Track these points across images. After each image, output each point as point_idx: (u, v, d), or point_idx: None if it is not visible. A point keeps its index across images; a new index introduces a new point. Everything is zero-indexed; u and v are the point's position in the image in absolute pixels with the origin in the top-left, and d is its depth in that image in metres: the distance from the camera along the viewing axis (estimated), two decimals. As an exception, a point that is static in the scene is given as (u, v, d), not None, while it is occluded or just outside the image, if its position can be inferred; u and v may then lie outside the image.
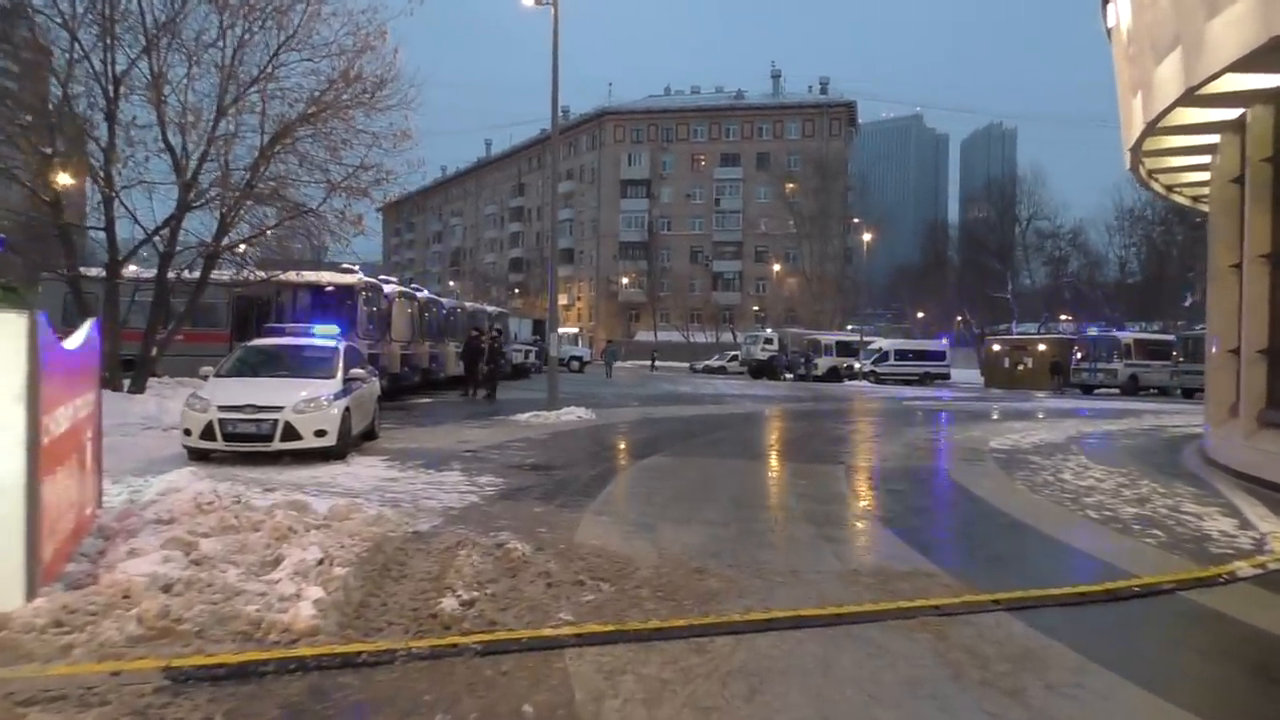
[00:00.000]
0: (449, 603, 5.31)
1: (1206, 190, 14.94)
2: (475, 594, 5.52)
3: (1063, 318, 71.98)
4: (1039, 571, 6.89)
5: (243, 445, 11.03)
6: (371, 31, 16.87)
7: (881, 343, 55.37)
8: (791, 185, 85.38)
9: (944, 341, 56.93)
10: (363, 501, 8.76)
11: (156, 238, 16.36)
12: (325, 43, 16.74)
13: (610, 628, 4.99)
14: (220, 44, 16.07)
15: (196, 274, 17.55)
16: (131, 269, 17.46)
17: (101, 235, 16.10)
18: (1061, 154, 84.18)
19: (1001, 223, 72.60)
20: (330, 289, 20.53)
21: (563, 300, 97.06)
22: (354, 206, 17.74)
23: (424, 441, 14.14)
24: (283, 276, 19.24)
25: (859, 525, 8.27)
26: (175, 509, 7.23)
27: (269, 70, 16.47)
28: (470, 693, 4.09)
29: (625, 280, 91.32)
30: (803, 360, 51.80)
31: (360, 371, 12.60)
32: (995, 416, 23.90)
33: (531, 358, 41.51)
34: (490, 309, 39.41)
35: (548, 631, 4.91)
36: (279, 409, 11.03)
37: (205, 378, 12.27)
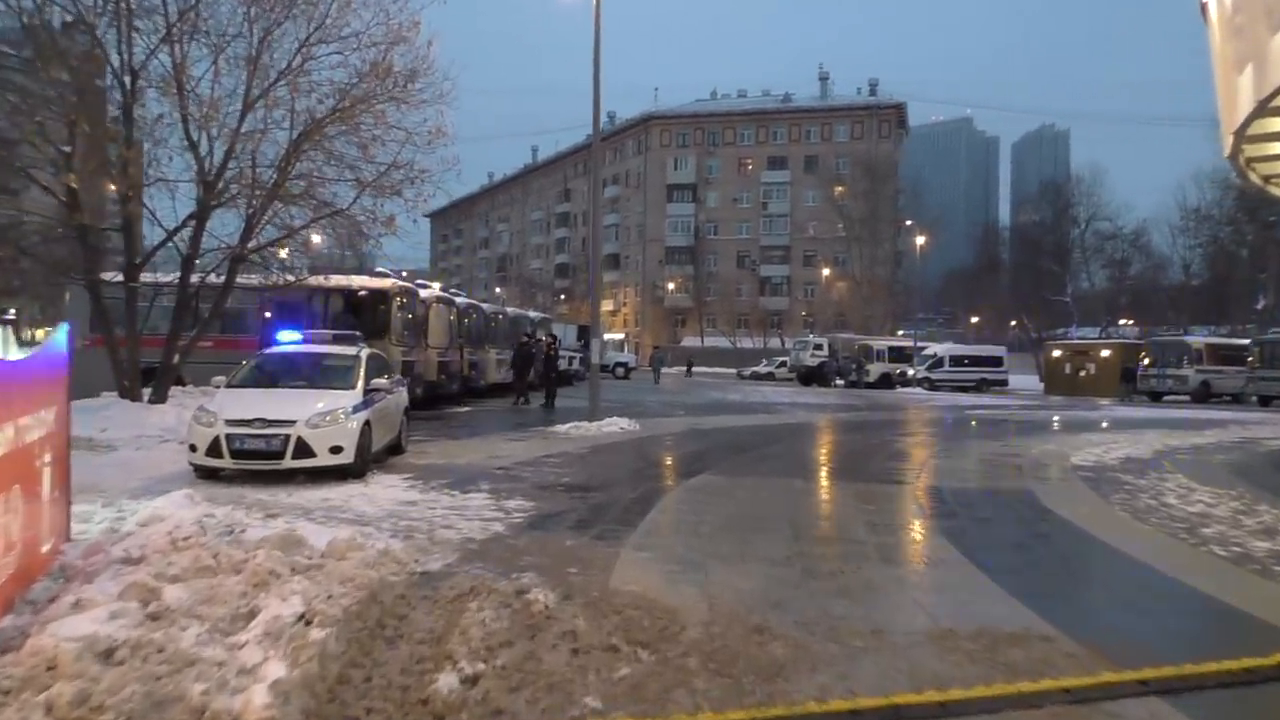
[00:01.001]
0: (447, 680, 4.22)
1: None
2: (481, 666, 4.42)
3: (1123, 322, 69.47)
4: (1180, 633, 5.64)
5: (251, 463, 10.08)
6: (404, 22, 15.98)
7: (936, 348, 53.59)
8: (840, 188, 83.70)
9: (1001, 347, 55.04)
10: (372, 531, 7.75)
11: (180, 240, 15.59)
12: (355, 34, 15.88)
13: (649, 722, 3.87)
14: (246, 35, 15.27)
15: (222, 278, 16.75)
16: (149, 274, 16.69)
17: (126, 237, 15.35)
18: (1118, 154, 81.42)
19: (1059, 224, 70.21)
20: (364, 293, 19.66)
21: (608, 306, 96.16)
22: (385, 207, 16.83)
23: (454, 456, 13.13)
24: (314, 281, 18.40)
25: (944, 564, 7.04)
26: (149, 545, 6.25)
27: (297, 63, 15.63)
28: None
29: (671, 285, 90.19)
30: (854, 366, 50.36)
31: (383, 381, 11.61)
32: (1067, 427, 22.38)
33: (576, 364, 40.51)
34: (533, 314, 38.52)
35: (567, 727, 3.81)
36: (291, 423, 10.07)
37: (217, 387, 11.39)
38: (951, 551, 7.39)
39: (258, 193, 15.90)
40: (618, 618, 5.30)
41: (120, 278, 16.27)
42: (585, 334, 43.83)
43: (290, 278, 16.92)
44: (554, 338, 28.03)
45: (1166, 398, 39.52)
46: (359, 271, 23.36)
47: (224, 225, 16.61)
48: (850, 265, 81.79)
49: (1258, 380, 36.11)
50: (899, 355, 52.08)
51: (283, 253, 19.23)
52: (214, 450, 10.02)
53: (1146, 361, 41.56)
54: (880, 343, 54.17)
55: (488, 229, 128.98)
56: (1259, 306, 55.73)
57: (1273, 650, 4.89)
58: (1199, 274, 67.41)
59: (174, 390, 16.04)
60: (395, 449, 12.97)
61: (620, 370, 49.93)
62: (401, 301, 20.16)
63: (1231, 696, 4.37)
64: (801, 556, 7.10)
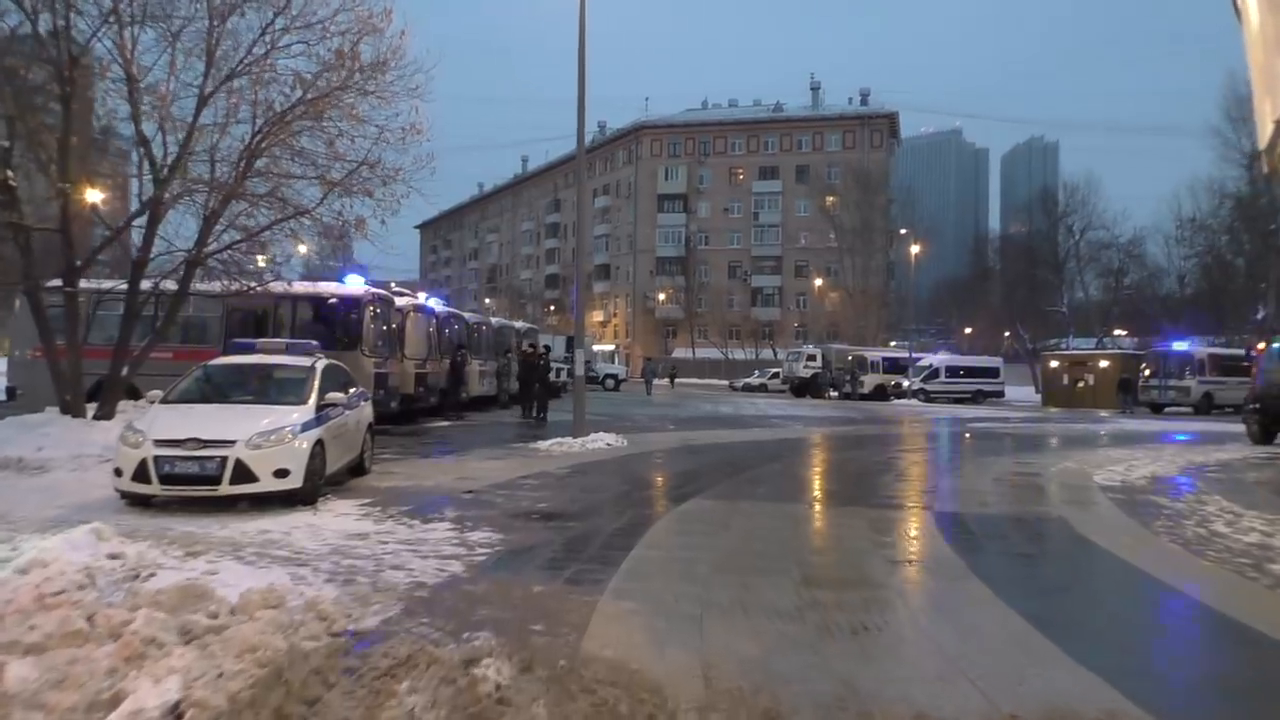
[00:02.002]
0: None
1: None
2: (399, 786, 3.27)
3: (1117, 332, 68.49)
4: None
5: (183, 489, 8.88)
6: (375, 11, 14.84)
7: (931, 359, 52.50)
8: (832, 198, 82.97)
9: (998, 357, 54.07)
10: (307, 574, 6.59)
11: (132, 245, 14.37)
12: (322, 21, 14.72)
13: None
14: (202, 19, 14.09)
15: (188, 285, 15.53)
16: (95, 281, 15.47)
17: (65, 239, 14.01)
18: (1108, 166, 79.82)
19: (1053, 233, 69.34)
20: (333, 301, 18.42)
21: (598, 317, 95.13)
22: (355, 208, 15.63)
23: (421, 478, 11.94)
24: (279, 288, 17.18)
25: (985, 616, 5.89)
26: (13, 601, 5.06)
27: (259, 52, 14.45)
28: None
29: (662, 296, 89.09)
30: (847, 378, 49.27)
31: (339, 396, 10.41)
32: (1078, 442, 21.28)
33: (564, 375, 39.32)
34: (519, 324, 37.31)
35: None
36: (229, 444, 8.87)
37: (152, 402, 10.20)
38: (990, 598, 6.24)
39: (215, 194, 14.70)
40: (589, 700, 4.15)
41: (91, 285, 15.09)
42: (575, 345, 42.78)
43: (253, 284, 15.66)
44: (546, 348, 26.83)
45: (1168, 410, 38.49)
46: (320, 279, 22.23)
47: (185, 227, 15.39)
48: (842, 276, 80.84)
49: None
50: (894, 366, 50.98)
51: (261, 260, 18.10)
52: (140, 475, 8.82)
53: (1147, 372, 40.55)
54: (874, 354, 53.12)
55: (477, 239, 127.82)
56: (1259, 317, 54.79)
57: None
58: (1193, 284, 66.56)
59: (125, 405, 14.80)
60: (357, 469, 11.79)
61: (610, 382, 48.75)
62: (374, 310, 18.96)
63: None
64: (814, 606, 5.95)
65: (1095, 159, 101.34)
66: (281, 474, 9.04)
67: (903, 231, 67.38)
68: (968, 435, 23.16)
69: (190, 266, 14.74)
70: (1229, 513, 10.05)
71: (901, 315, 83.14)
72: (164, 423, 9.27)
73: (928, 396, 47.83)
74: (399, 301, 21.32)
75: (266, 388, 10.44)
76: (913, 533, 8.95)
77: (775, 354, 76.00)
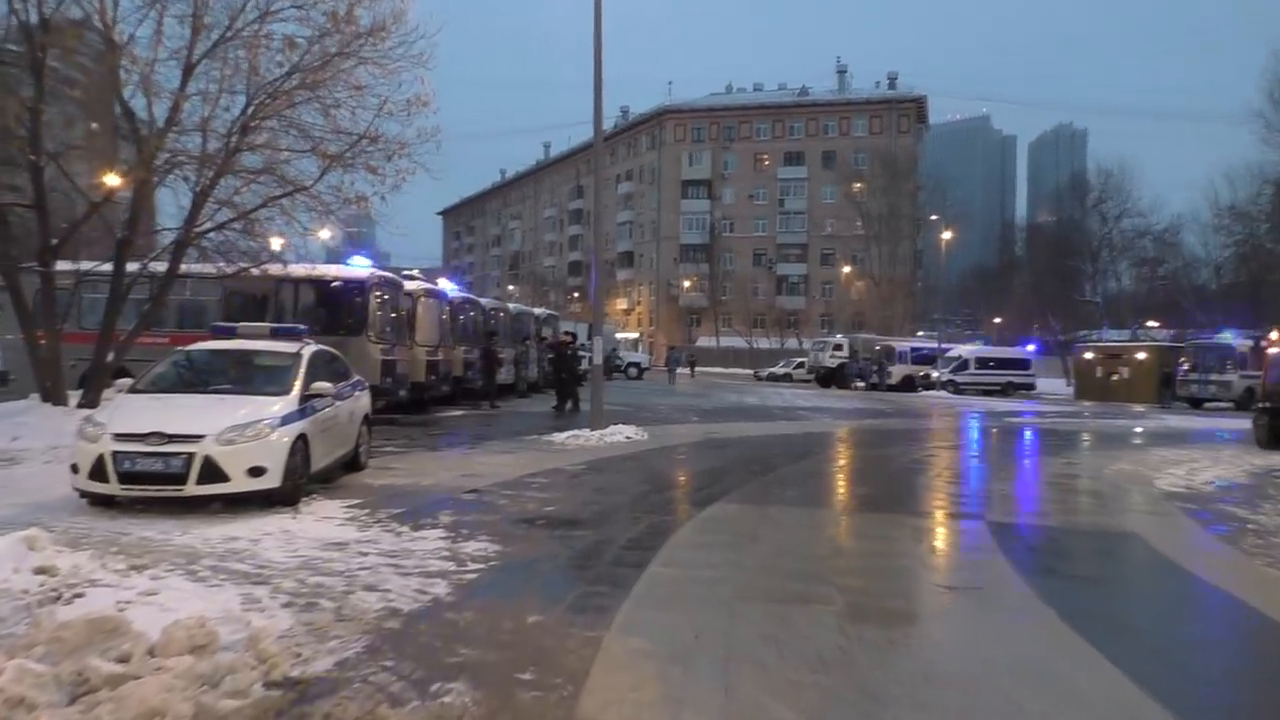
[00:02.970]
0: None
1: None
2: None
3: (1150, 323, 66.63)
4: None
5: (144, 489, 7.94)
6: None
7: (960, 350, 51.02)
8: (859, 184, 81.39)
9: (1030, 349, 52.51)
10: (264, 596, 5.62)
11: (116, 222, 13.47)
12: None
13: None
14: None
15: (178, 266, 14.65)
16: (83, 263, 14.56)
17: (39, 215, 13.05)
18: (1142, 152, 76.95)
19: (1087, 221, 67.47)
20: (337, 285, 17.47)
21: (622, 304, 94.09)
22: (356, 185, 14.69)
23: (422, 474, 10.97)
24: (279, 270, 16.26)
25: (1084, 676, 4.67)
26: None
27: (250, 17, 13.49)
28: None
29: (686, 284, 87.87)
30: (875, 368, 48.01)
31: (325, 385, 9.41)
32: (1125, 440, 20.06)
33: (587, 363, 38.36)
34: (538, 311, 36.27)
35: None
36: (196, 439, 7.92)
37: (119, 391, 9.29)
38: (1078, 645, 5.10)
39: (206, 168, 13.78)
40: (580, 796, 3.14)
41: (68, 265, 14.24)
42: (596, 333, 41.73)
43: (246, 266, 14.73)
44: (572, 335, 25.74)
45: (1208, 405, 37.01)
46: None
47: (173, 205, 14.52)
48: (869, 264, 79.40)
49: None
50: (922, 357, 49.61)
51: (276, 243, 17.22)
52: (98, 472, 7.88)
53: (1186, 366, 39.05)
54: (902, 344, 51.77)
55: (500, 226, 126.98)
56: (1303, 307, 52.96)
57: None
58: (1230, 274, 64.56)
59: (111, 393, 13.93)
60: (352, 464, 10.83)
61: (633, 370, 47.74)
62: (381, 294, 18.00)
63: None
64: (865, 648, 4.90)
65: (1127, 146, 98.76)
66: (256, 472, 8.07)
67: (933, 218, 65.70)
68: (1007, 431, 21.96)
69: (180, 247, 13.84)
70: (1322, 526, 8.90)
71: (929, 305, 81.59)
72: (127, 414, 8.34)
73: (957, 388, 46.48)
74: (409, 285, 20.37)
75: (247, 376, 9.50)
76: (966, 549, 7.88)
77: (800, 343, 74.70)
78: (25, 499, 8.63)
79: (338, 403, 9.98)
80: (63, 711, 3.50)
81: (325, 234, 21.43)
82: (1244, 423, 20.62)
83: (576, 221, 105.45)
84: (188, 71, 13.29)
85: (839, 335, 57.94)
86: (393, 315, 18.69)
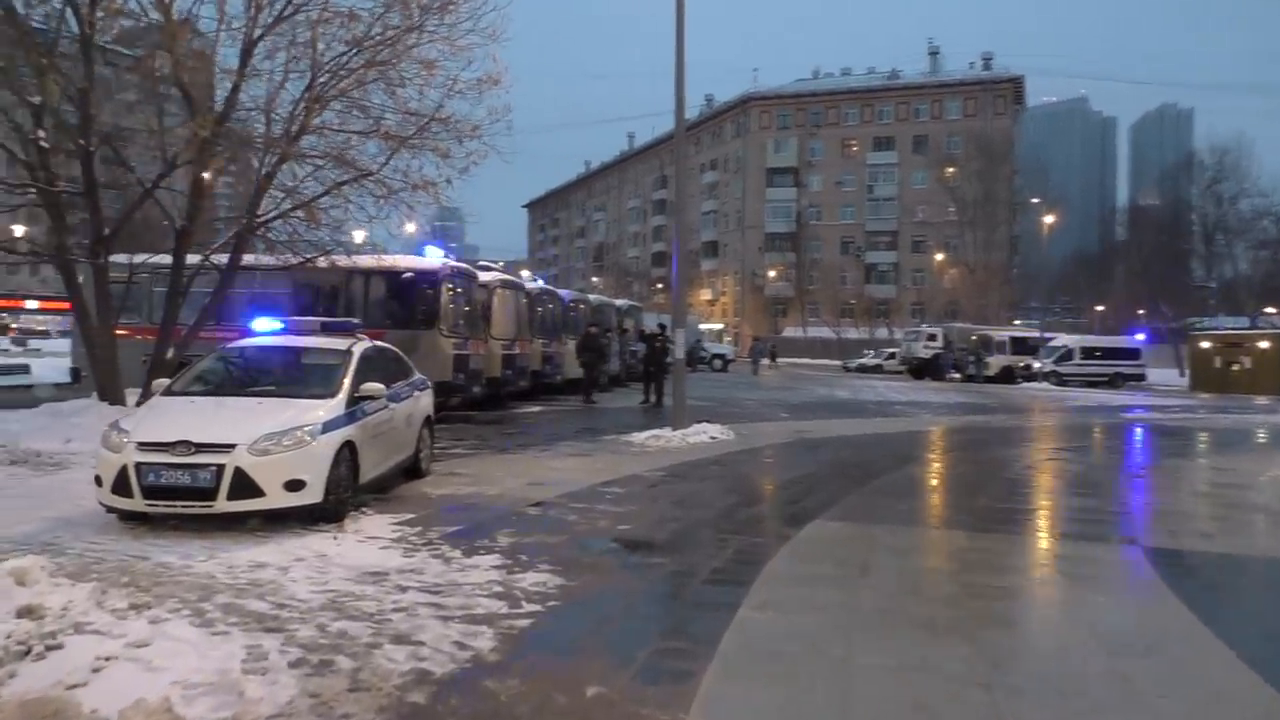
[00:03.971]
0: None
1: None
2: None
3: (1269, 310, 62.43)
4: None
5: (170, 505, 7.07)
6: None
7: (1064, 339, 48.32)
8: (952, 169, 78.66)
9: (1139, 337, 49.54)
10: (274, 648, 4.65)
11: (174, 211, 12.84)
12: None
13: None
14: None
15: (240, 258, 14.01)
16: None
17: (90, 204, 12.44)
18: (1254, 131, 71.34)
19: (1201, 202, 63.59)
20: (408, 276, 16.66)
21: (706, 295, 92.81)
22: (426, 169, 13.85)
23: (487, 482, 9.98)
24: (346, 262, 15.53)
25: None
26: None
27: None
28: None
29: (772, 273, 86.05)
30: (971, 359, 45.80)
31: (377, 386, 8.42)
32: (1272, 438, 18.04)
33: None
34: (619, 303, 35.27)
35: None
36: (227, 448, 7.02)
37: (155, 392, 8.48)
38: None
39: (269, 153, 13.06)
40: None
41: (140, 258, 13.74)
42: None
43: (308, 257, 13.98)
44: (663, 327, 24.61)
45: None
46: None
47: (235, 195, 13.80)
48: (963, 251, 76.50)
49: None
50: (1022, 347, 47.14)
51: (356, 234, 16.59)
52: (121, 486, 7.04)
53: (1316, 356, 36.15)
54: (1001, 333, 49.36)
55: (584, 218, 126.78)
56: None
57: None
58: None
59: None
60: (412, 471, 9.92)
61: (718, 363, 46.47)
62: (453, 286, 17.14)
63: None
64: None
65: (1237, 124, 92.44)
66: (294, 486, 7.15)
67: (1034, 201, 62.65)
68: (1132, 429, 20.10)
69: (240, 237, 13.13)
70: None
71: (1027, 292, 78.26)
72: (155, 420, 7.50)
73: (1060, 380, 44.02)
74: (483, 277, 19.51)
75: (292, 376, 8.62)
76: (1131, 589, 6.47)
77: (890, 333, 72.43)
78: (55, 512, 7.89)
79: (393, 405, 9.05)
80: None
81: (410, 227, 20.82)
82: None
83: (660, 212, 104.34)
84: (248, 50, 12.55)
85: (932, 325, 55.72)
86: (466, 308, 17.85)
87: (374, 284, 17.06)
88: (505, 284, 20.84)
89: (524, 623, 5.16)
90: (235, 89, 12.60)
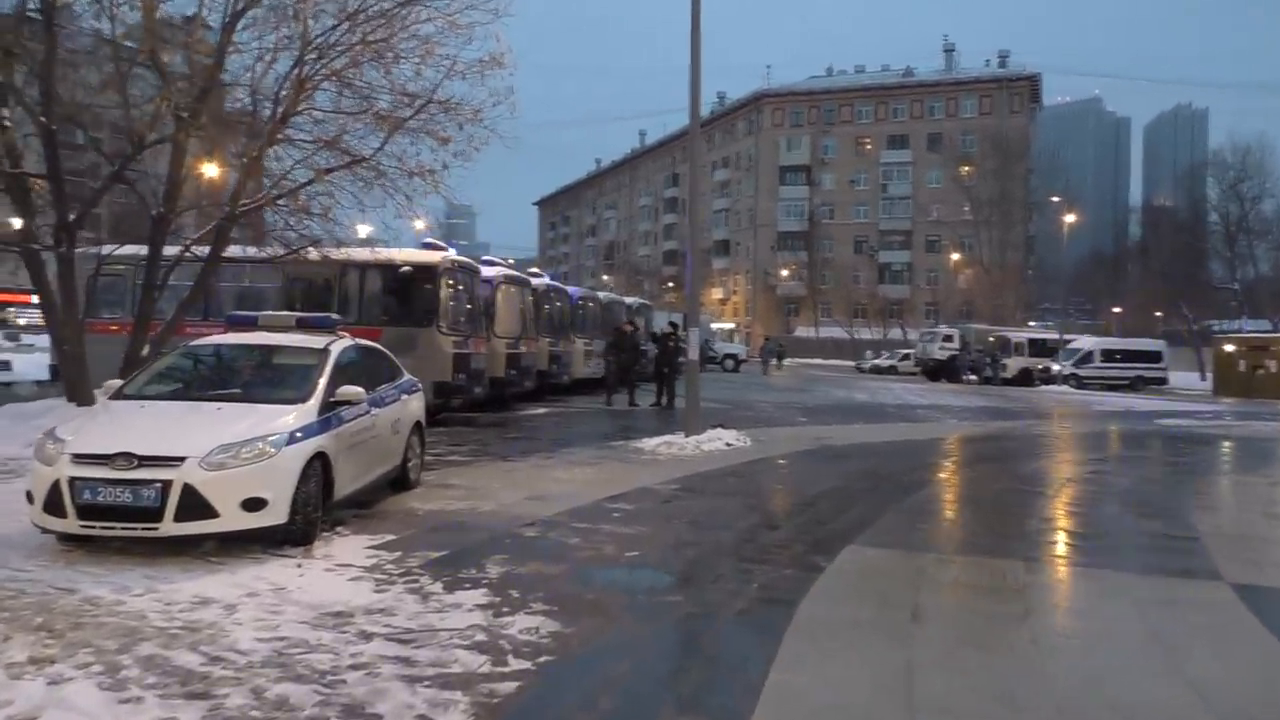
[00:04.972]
0: None
1: None
2: None
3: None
4: None
5: (108, 526, 6.13)
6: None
7: (1083, 341, 47.19)
8: (967, 168, 77.43)
9: (1160, 340, 48.41)
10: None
11: (151, 198, 11.92)
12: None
13: None
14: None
15: (222, 248, 13.09)
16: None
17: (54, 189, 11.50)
18: (1270, 130, 69.55)
19: (1222, 203, 62.27)
20: (405, 270, 15.70)
21: (718, 294, 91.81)
22: (423, 155, 12.91)
23: (482, 495, 9.03)
24: (339, 255, 14.59)
25: None
26: None
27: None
28: None
29: (784, 272, 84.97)
30: (988, 361, 44.75)
31: (355, 391, 7.45)
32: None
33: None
34: (630, 300, 34.32)
35: None
36: (175, 462, 6.08)
37: (105, 395, 7.54)
38: None
39: (254, 137, 12.14)
40: None
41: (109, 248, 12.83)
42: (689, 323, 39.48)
43: (295, 250, 13.04)
44: (675, 326, 23.56)
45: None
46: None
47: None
48: (978, 250, 75.28)
49: None
50: (1041, 349, 46.03)
51: (362, 232, 15.73)
52: (54, 504, 6.09)
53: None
54: (1019, 335, 48.27)
55: (595, 216, 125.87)
56: None
57: None
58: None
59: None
60: (400, 481, 8.98)
61: (730, 363, 45.45)
62: (454, 281, 16.20)
63: None
64: None
65: (1254, 125, 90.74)
66: (254, 505, 6.21)
67: (1054, 199, 61.37)
68: (1165, 437, 19.03)
69: (222, 227, 12.21)
70: None
71: (1044, 293, 76.91)
72: (96, 428, 6.56)
73: (1080, 383, 42.95)
74: (487, 272, 18.55)
75: (260, 378, 7.69)
76: (1231, 638, 5.44)
77: (904, 333, 71.29)
78: (-5, 529, 6.97)
79: (376, 410, 8.10)
80: None
81: (419, 224, 19.93)
82: None
83: (672, 210, 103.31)
84: (233, 20, 11.62)
85: (948, 325, 54.66)
86: (468, 304, 16.91)
87: (369, 278, 16.11)
88: (510, 279, 19.88)
89: (508, 687, 4.20)
90: (217, 64, 11.67)
